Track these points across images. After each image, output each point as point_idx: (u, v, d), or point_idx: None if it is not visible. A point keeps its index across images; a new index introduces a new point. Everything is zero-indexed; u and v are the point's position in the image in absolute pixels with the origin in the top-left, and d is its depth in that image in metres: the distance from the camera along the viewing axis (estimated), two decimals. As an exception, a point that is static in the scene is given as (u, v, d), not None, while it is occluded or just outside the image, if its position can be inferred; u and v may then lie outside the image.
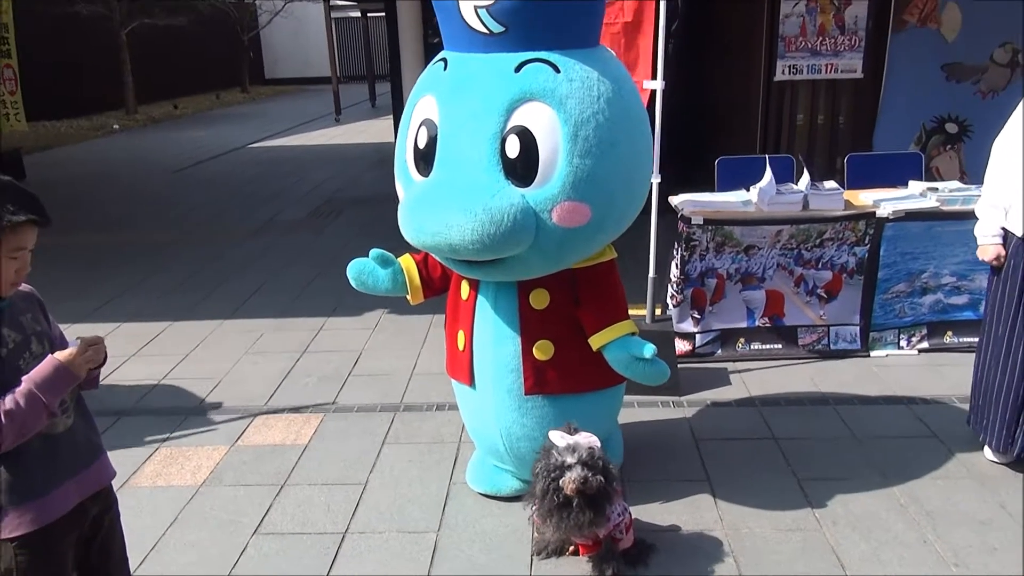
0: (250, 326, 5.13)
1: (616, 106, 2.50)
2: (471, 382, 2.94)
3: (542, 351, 2.80)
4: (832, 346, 4.39)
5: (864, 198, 4.40)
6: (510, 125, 2.45)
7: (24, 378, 1.71)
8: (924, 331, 4.41)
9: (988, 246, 3.17)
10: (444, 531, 2.96)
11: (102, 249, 7.08)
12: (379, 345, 4.76)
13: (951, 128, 5.90)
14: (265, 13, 24.88)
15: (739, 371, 4.25)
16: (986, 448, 3.33)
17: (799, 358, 4.36)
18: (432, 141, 2.58)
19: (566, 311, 2.80)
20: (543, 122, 2.43)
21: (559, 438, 2.52)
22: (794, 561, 2.75)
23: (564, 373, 2.83)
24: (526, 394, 2.84)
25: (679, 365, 4.10)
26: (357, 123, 16.58)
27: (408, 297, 3.09)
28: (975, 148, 5.76)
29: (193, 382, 4.34)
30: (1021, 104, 3.09)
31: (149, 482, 3.36)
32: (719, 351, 4.39)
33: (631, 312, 2.93)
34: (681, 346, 4.32)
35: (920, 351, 4.40)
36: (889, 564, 2.72)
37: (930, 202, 4.24)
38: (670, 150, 7.22)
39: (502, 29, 2.46)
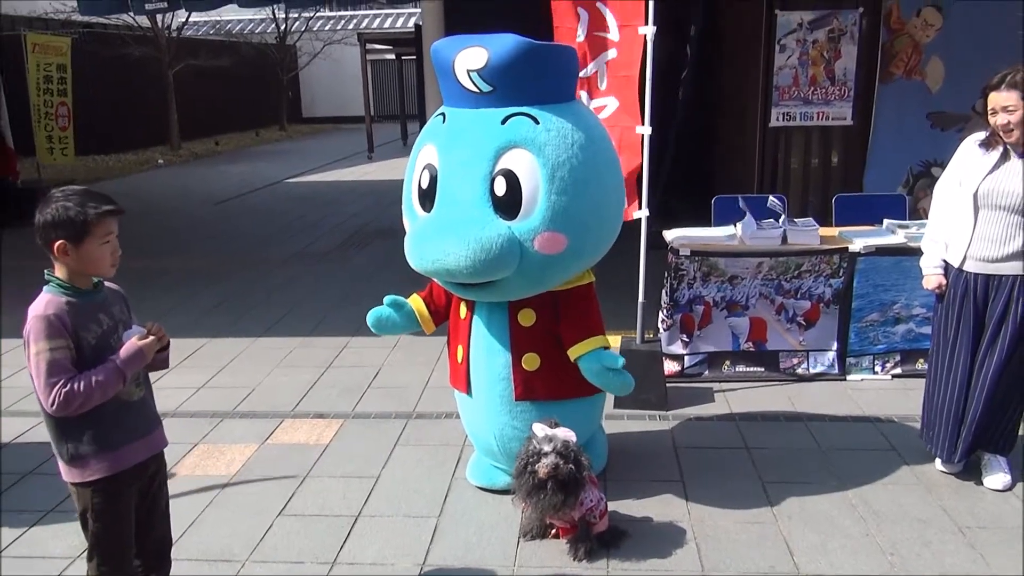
0: (280, 343, 5.59)
1: (588, 151, 2.94)
2: (468, 390, 3.36)
3: (529, 363, 3.20)
4: (811, 370, 4.75)
5: (838, 234, 4.80)
6: (498, 168, 2.89)
7: (112, 356, 2.21)
8: (898, 358, 4.74)
9: (931, 276, 3.54)
10: (444, 517, 3.37)
11: (146, 273, 7.49)
12: (397, 362, 5.18)
13: (937, 172, 6.24)
14: (304, 55, 25.79)
15: (723, 390, 4.61)
16: (936, 460, 3.66)
17: (780, 380, 4.72)
18: (433, 182, 3.03)
19: (550, 328, 3.20)
20: (525, 165, 2.87)
21: (540, 429, 2.94)
22: (749, 548, 3.10)
23: (549, 382, 3.23)
24: (516, 400, 3.24)
25: (668, 384, 4.47)
26: (389, 160, 17.04)
27: (423, 329, 3.55)
28: (960, 192, 6.08)
29: (228, 390, 4.81)
30: (958, 151, 3.50)
31: (189, 471, 3.82)
32: (706, 372, 4.77)
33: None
34: (671, 367, 4.71)
35: (894, 376, 4.72)
36: (833, 552, 3.06)
37: (898, 238, 4.62)
38: (676, 188, 7.67)
39: (490, 88, 2.91)
